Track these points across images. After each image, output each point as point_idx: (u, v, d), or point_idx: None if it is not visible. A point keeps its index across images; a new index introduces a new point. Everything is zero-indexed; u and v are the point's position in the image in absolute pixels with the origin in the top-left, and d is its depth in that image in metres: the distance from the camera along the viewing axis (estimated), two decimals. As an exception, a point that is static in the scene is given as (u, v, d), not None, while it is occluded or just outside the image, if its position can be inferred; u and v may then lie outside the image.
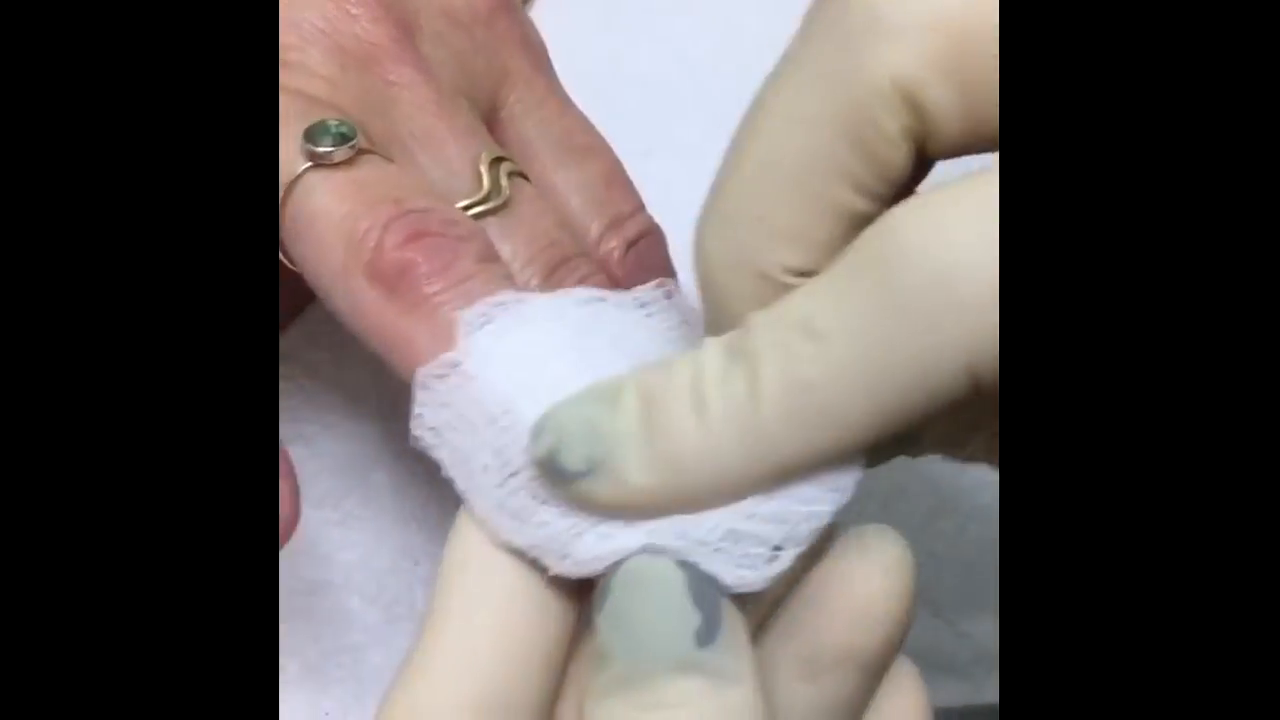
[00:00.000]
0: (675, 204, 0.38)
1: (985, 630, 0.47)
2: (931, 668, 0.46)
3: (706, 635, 0.30)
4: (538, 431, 0.31)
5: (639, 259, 0.39)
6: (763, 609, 0.33)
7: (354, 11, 0.37)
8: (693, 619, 0.30)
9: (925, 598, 0.47)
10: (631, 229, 0.39)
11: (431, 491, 0.41)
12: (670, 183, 0.41)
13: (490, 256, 0.34)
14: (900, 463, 0.46)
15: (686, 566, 0.31)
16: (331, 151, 0.34)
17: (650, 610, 0.30)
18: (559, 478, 0.31)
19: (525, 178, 0.38)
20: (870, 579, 0.32)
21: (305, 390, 0.41)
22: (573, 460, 0.30)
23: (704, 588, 0.30)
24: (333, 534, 0.41)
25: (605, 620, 0.31)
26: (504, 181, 0.36)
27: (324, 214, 0.34)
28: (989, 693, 0.48)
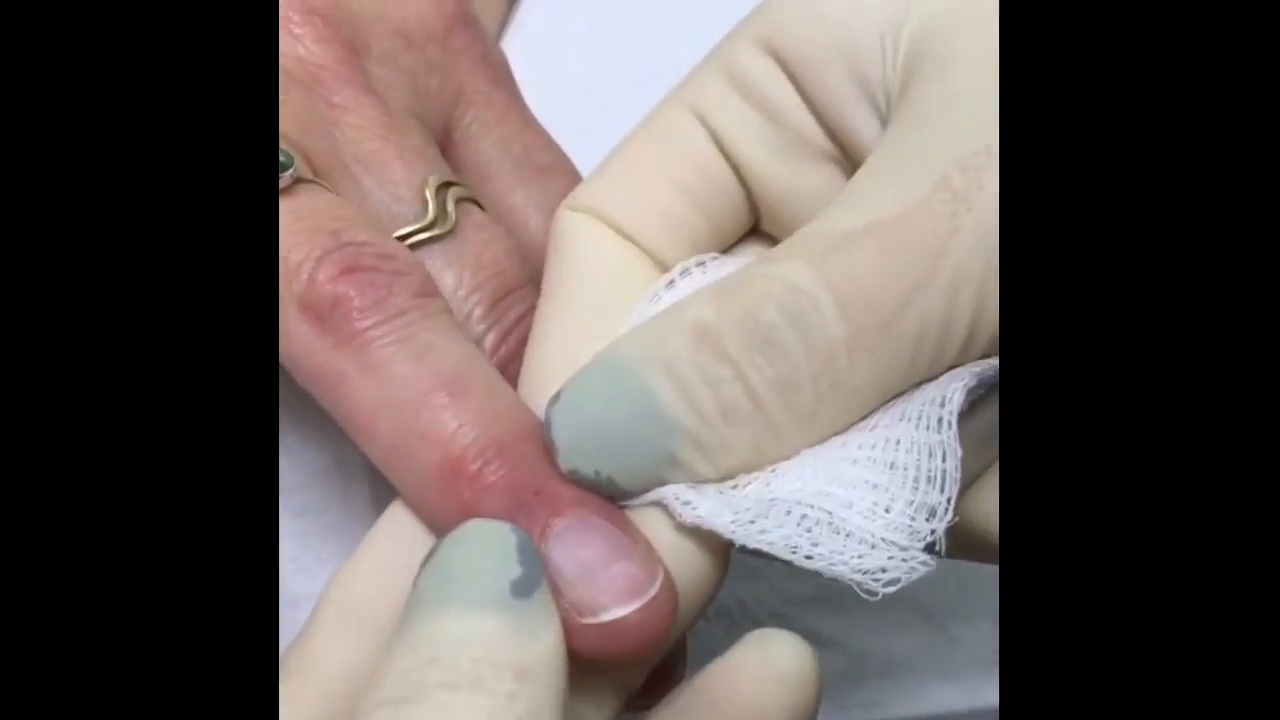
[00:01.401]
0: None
1: (979, 635, 0.47)
2: (925, 674, 0.46)
3: (523, 589, 0.29)
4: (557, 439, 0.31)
5: None
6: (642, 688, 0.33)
7: (297, 32, 0.36)
8: (513, 570, 0.30)
9: (918, 604, 0.47)
10: None
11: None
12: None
13: (427, 291, 0.34)
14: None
15: (520, 531, 0.30)
16: None
17: (473, 555, 0.30)
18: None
19: (476, 203, 0.37)
20: (766, 691, 0.31)
21: (286, 403, 0.41)
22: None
23: (531, 552, 0.30)
24: (314, 545, 0.41)
25: (427, 567, 0.30)
26: (451, 207, 0.36)
27: None
28: (983, 697, 0.48)
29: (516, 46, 0.47)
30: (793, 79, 0.34)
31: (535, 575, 0.30)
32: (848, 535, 0.30)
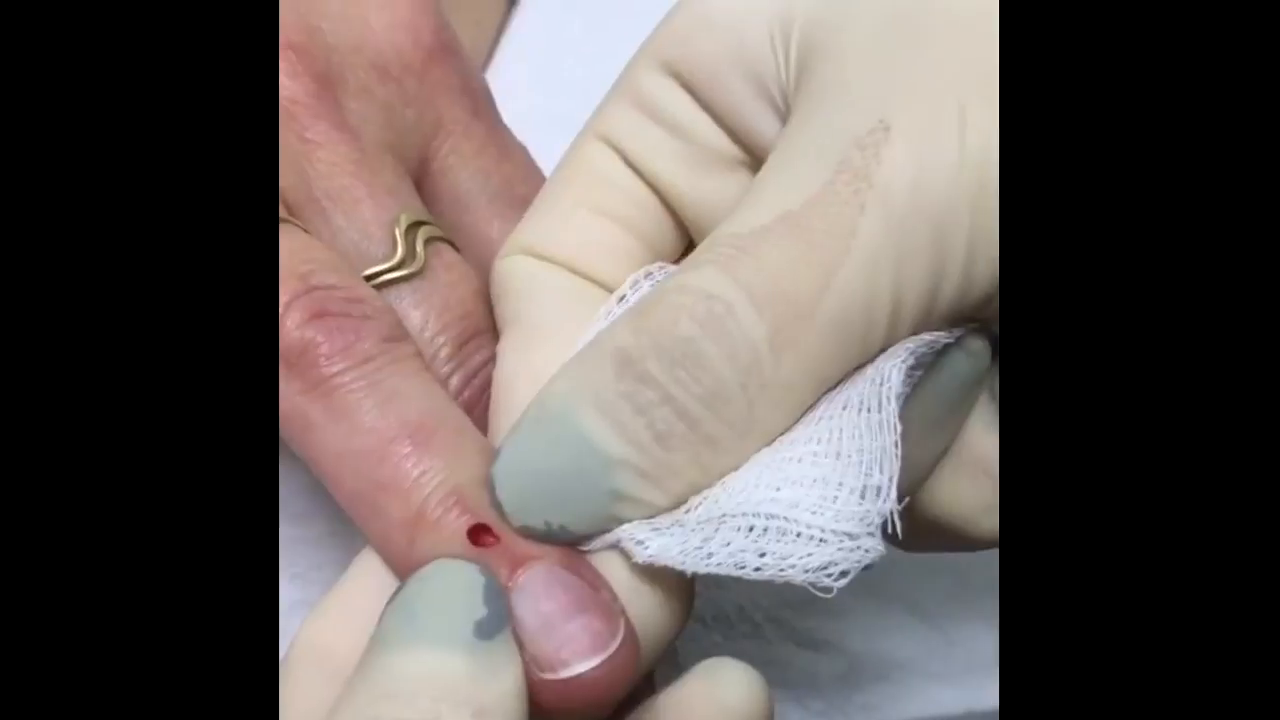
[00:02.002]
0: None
1: (977, 637, 0.47)
2: (923, 676, 0.46)
3: (487, 630, 0.30)
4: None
5: None
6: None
7: None
8: (478, 610, 0.30)
9: (916, 606, 0.47)
10: None
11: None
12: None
13: (396, 336, 0.34)
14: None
15: (487, 571, 0.31)
16: None
17: (437, 594, 0.30)
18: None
19: (448, 242, 0.37)
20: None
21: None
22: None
23: (497, 594, 0.30)
24: (308, 553, 0.41)
25: (391, 606, 0.30)
26: (420, 247, 0.36)
27: None
28: (982, 700, 0.48)
29: (514, 50, 0.47)
30: (692, 92, 0.34)
31: (500, 617, 0.30)
32: (796, 536, 0.30)
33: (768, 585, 0.45)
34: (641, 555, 0.31)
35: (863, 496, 0.30)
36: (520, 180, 0.39)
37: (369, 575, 0.33)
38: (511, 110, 0.41)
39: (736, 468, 0.31)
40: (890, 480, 0.30)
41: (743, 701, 0.32)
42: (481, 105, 0.39)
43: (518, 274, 0.35)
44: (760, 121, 0.33)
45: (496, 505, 0.32)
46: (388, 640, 0.30)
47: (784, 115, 0.33)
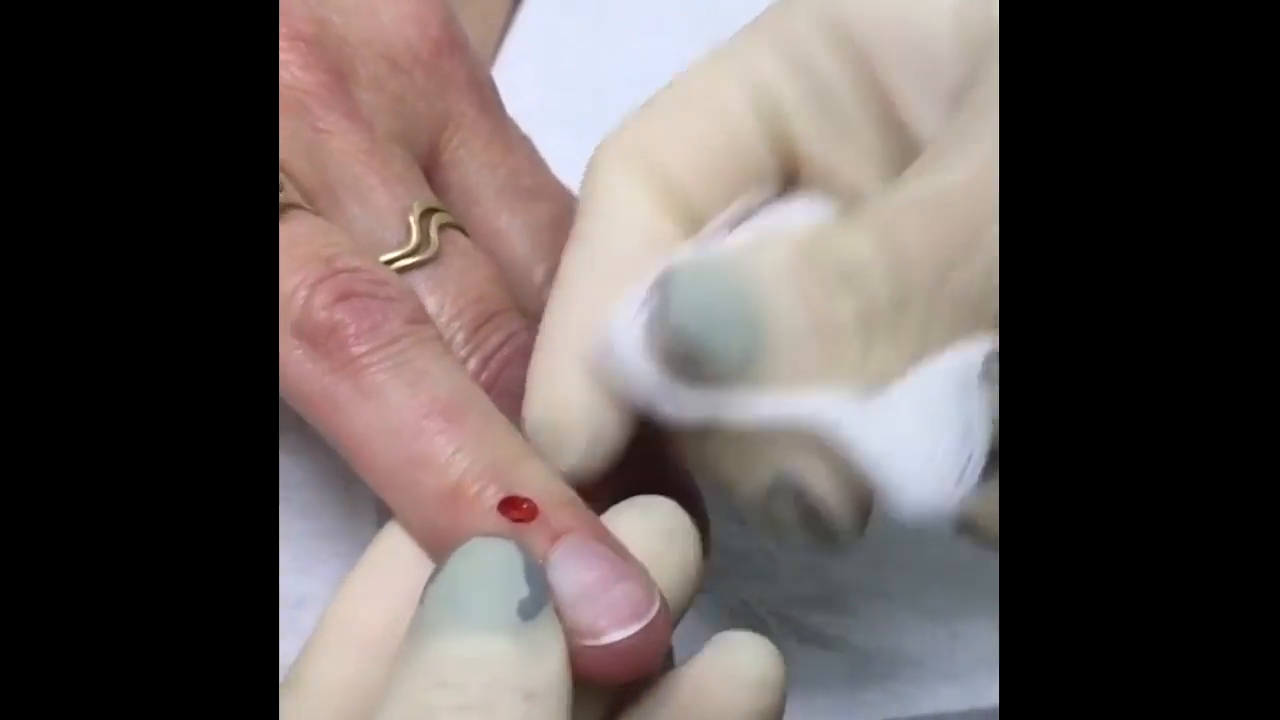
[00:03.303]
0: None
1: (982, 634, 0.47)
2: (928, 674, 0.46)
3: (530, 609, 0.30)
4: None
5: None
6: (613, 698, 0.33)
7: (284, 58, 0.37)
8: (520, 590, 0.30)
9: (921, 604, 0.47)
10: None
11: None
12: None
13: (419, 318, 0.34)
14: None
15: (524, 549, 0.31)
16: None
17: (479, 576, 0.30)
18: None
19: (460, 229, 0.37)
20: (729, 695, 0.32)
21: (288, 405, 0.41)
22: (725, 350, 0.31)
23: (536, 572, 0.31)
24: (316, 546, 0.41)
25: (433, 589, 0.31)
26: (434, 234, 0.36)
27: None
28: (988, 697, 0.48)
29: (519, 46, 0.47)
30: (853, 57, 0.34)
31: (541, 595, 0.30)
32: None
33: (773, 581, 0.45)
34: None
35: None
36: (526, 173, 0.39)
37: (399, 550, 0.33)
38: (516, 106, 0.42)
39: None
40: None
41: (758, 674, 0.32)
42: (488, 99, 0.40)
43: (606, 189, 0.35)
44: (917, 104, 0.34)
45: (663, 304, 0.32)
46: (432, 625, 0.30)
47: (941, 101, 0.33)
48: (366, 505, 0.42)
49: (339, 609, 0.33)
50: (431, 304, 0.36)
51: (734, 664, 0.32)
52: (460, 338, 0.36)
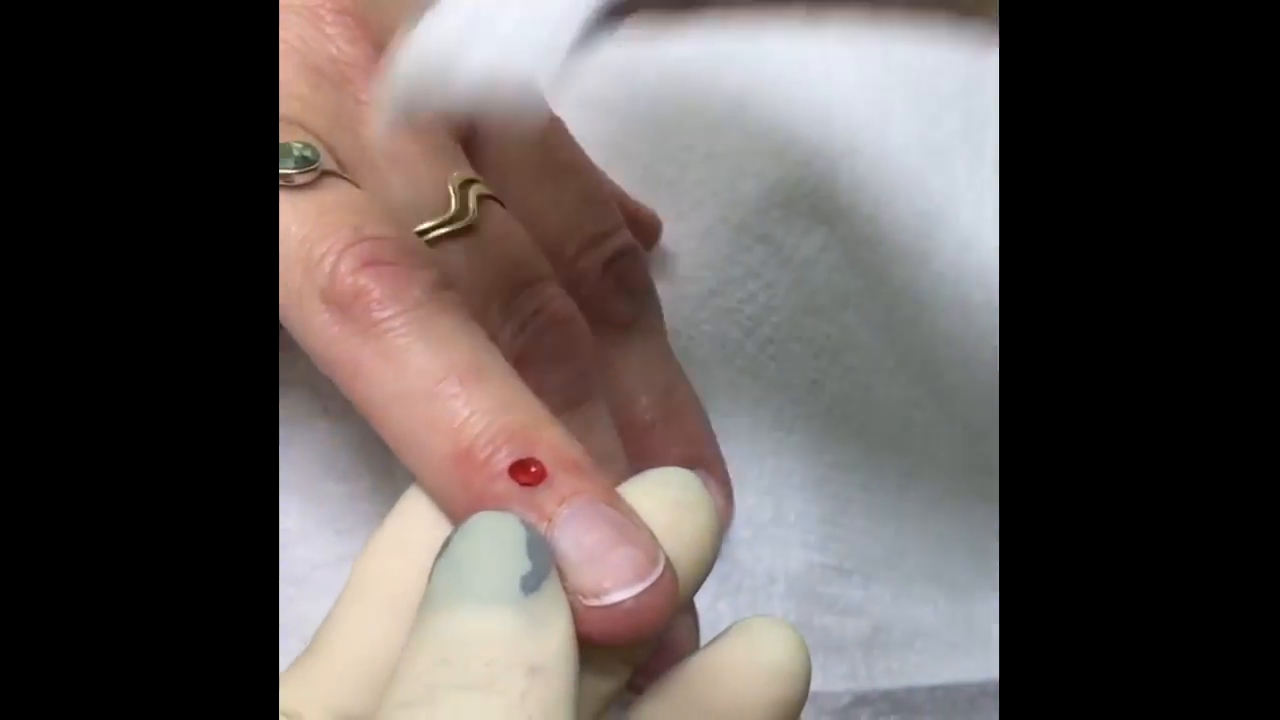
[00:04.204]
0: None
1: (995, 609, 0.47)
2: (946, 644, 0.47)
3: (532, 582, 0.30)
4: None
5: (617, 278, 0.39)
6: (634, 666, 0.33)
7: (330, 31, 0.38)
8: (523, 564, 0.31)
9: (939, 576, 0.47)
10: (609, 248, 0.39)
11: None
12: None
13: (444, 285, 0.35)
14: (912, 447, 0.47)
15: (528, 523, 0.31)
16: (292, 174, 0.35)
17: (482, 551, 0.31)
18: None
19: (497, 200, 0.38)
20: (752, 682, 0.32)
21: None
22: None
23: (540, 545, 0.31)
24: (354, 507, 0.43)
25: (437, 565, 0.31)
26: (472, 203, 0.37)
27: (283, 235, 0.35)
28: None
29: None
30: None
31: (544, 568, 0.31)
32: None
33: (794, 550, 0.46)
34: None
35: None
36: (561, 148, 0.40)
37: (423, 510, 0.34)
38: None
39: None
40: None
41: (783, 661, 0.32)
42: None
43: None
44: None
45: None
46: (437, 602, 0.31)
47: None
48: (404, 467, 0.43)
49: (367, 567, 0.34)
50: (469, 271, 0.36)
51: (758, 651, 0.32)
52: (497, 305, 0.36)
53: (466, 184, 0.37)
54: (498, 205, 0.38)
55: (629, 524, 0.32)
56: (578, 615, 0.31)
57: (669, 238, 0.46)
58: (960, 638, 0.47)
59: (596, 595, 0.31)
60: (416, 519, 0.34)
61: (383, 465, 0.43)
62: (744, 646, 0.32)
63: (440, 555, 0.31)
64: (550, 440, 0.33)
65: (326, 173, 0.35)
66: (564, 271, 0.39)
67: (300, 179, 0.35)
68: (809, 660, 0.32)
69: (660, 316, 0.44)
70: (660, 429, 0.43)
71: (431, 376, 0.33)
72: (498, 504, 0.32)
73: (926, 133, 0.49)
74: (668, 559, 0.32)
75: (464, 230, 0.37)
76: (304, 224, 0.35)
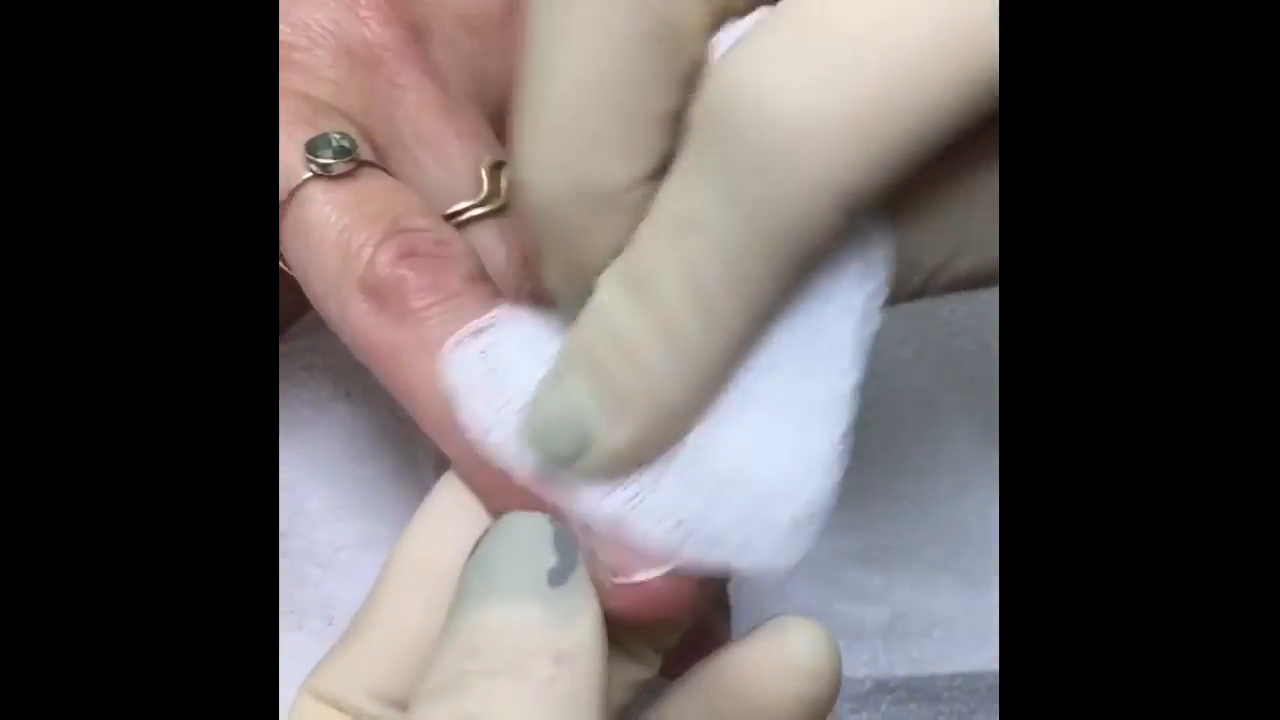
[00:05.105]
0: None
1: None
2: (965, 633, 0.47)
3: (559, 576, 0.31)
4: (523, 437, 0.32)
5: None
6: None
7: (364, 14, 0.38)
8: (549, 559, 0.31)
9: (958, 567, 0.47)
10: None
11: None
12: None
13: (479, 276, 0.35)
14: (928, 439, 0.47)
15: (557, 521, 0.32)
16: (331, 164, 0.35)
17: (511, 548, 0.31)
18: (560, 466, 0.32)
19: None
20: (781, 681, 0.32)
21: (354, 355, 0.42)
22: (561, 447, 0.31)
23: (567, 540, 0.31)
24: (378, 488, 0.43)
25: (469, 563, 0.32)
26: (503, 185, 0.37)
27: (321, 225, 0.35)
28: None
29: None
30: None
31: (570, 561, 0.31)
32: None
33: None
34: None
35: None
36: None
37: (456, 495, 0.34)
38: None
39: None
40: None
41: (811, 660, 0.32)
42: None
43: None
44: None
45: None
46: (467, 599, 0.31)
47: None
48: (426, 451, 0.43)
49: (406, 550, 0.34)
50: (501, 252, 0.37)
51: (787, 649, 0.32)
52: (529, 285, 0.37)
53: (498, 166, 0.38)
54: None
55: None
56: (607, 593, 0.31)
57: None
58: (979, 627, 0.47)
59: (625, 573, 0.31)
60: (452, 504, 0.34)
61: (405, 447, 0.43)
62: (777, 644, 0.33)
63: (471, 555, 0.32)
64: None
65: (364, 163, 0.36)
66: None
67: (337, 170, 0.35)
68: (840, 662, 0.33)
69: None
70: None
71: None
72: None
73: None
74: None
75: (496, 212, 0.37)
76: (343, 214, 0.35)
